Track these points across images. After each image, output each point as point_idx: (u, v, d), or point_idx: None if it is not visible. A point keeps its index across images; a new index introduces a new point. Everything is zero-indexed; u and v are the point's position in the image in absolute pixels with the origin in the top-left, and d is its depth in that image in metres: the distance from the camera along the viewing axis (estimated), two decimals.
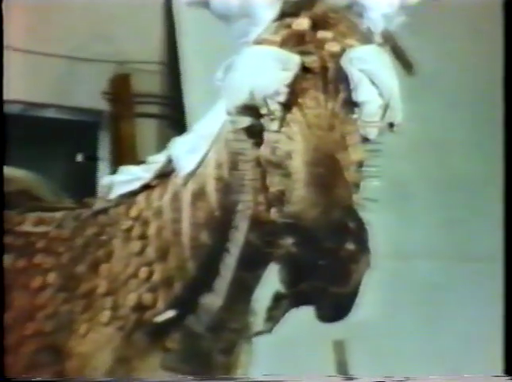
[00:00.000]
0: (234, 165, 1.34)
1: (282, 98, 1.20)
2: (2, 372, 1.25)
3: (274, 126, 1.21)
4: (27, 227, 1.58)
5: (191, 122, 2.77)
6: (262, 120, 1.23)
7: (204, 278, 1.43)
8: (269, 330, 1.27)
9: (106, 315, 1.47)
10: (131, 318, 1.46)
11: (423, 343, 2.77)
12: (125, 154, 3.18)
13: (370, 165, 1.24)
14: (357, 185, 1.21)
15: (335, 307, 1.18)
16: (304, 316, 1.19)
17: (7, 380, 1.28)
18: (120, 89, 3.28)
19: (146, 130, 3.27)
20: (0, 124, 1.46)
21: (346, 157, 1.19)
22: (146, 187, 1.53)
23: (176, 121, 3.12)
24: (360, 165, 1.22)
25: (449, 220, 2.96)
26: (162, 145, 1.57)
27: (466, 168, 2.98)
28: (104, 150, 3.35)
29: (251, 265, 1.40)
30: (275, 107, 1.20)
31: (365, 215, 1.19)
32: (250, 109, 1.22)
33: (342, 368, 2.71)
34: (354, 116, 1.22)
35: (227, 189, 1.37)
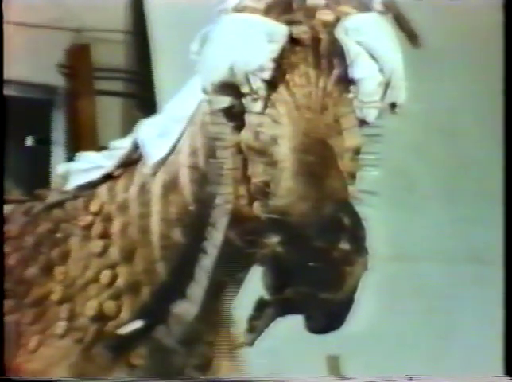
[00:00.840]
0: (211, 153, 1.35)
1: (267, 74, 1.21)
2: (2, 372, 1.31)
3: (257, 107, 1.22)
4: None
5: (161, 102, 2.77)
6: (244, 100, 1.23)
7: (176, 283, 1.44)
8: (251, 343, 1.28)
9: (61, 326, 1.48)
10: (91, 330, 1.47)
11: (426, 357, 2.81)
12: (83, 138, 3.17)
13: (368, 153, 1.25)
14: (353, 176, 1.23)
15: (328, 316, 1.20)
16: (291, 326, 1.20)
17: (7, 380, 1.33)
18: (78, 62, 3.26)
19: (109, 110, 3.26)
20: (0, 125, 1.49)
21: (340, 143, 1.20)
22: (109, 177, 1.53)
23: (143, 100, 3.12)
24: (356, 152, 1.24)
25: (458, 216, 2.98)
26: (127, 128, 1.58)
27: (477, 155, 3.01)
28: (59, 133, 3.34)
29: (231, 268, 1.41)
30: (259, 84, 1.21)
31: (362, 210, 1.20)
32: (230, 87, 1.23)
33: None
34: (351, 95, 1.23)
35: (203, 179, 1.38)
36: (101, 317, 1.47)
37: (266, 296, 1.22)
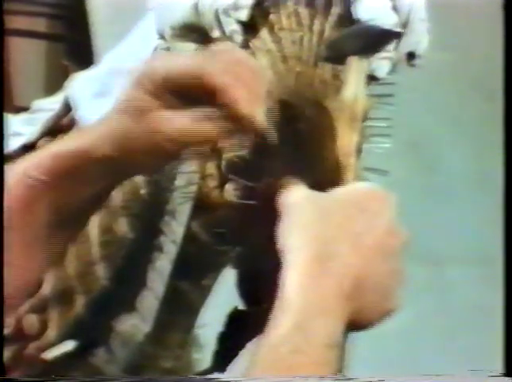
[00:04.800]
0: None
1: (244, 14, 1.23)
2: (2, 372, 1.36)
3: None
4: None
5: (99, 49, 2.76)
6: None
7: (122, 292, 1.46)
8: (222, 369, 1.31)
9: None
10: (6, 354, 1.48)
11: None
12: None
13: (378, 118, 1.28)
14: (357, 148, 1.25)
15: None
16: None
17: (7, 380, 1.37)
18: None
19: (28, 58, 3.25)
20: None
21: (340, 106, 1.22)
22: (30, 148, 1.54)
23: (76, 45, 3.10)
24: (362, 117, 1.26)
25: (496, 204, 3.00)
26: (54, 83, 1.59)
27: None
28: None
29: (195, 271, 1.44)
30: (233, 27, 1.23)
31: None
32: (195, 31, 1.25)
33: None
34: None
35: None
36: (19, 337, 1.49)
37: (242, 307, 1.24)
